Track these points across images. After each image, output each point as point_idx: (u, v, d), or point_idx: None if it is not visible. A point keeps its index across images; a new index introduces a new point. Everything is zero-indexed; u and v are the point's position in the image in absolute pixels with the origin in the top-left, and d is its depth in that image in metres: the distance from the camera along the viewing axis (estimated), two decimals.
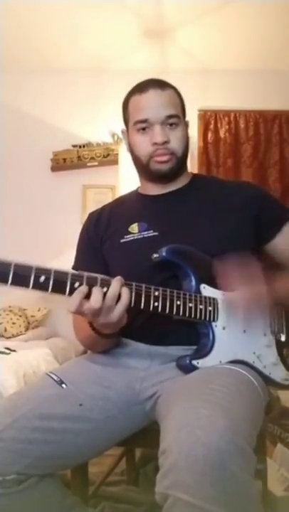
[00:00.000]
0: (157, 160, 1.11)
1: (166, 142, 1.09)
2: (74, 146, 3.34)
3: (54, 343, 2.77)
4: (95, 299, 0.84)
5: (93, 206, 3.30)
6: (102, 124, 3.27)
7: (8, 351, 2.32)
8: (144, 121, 1.10)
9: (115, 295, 0.86)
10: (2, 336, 2.88)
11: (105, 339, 1.00)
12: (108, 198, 3.29)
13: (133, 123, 1.13)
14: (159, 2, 2.66)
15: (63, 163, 3.34)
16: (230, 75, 3.34)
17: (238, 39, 3.04)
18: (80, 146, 3.33)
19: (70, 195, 3.31)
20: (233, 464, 0.67)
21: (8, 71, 3.30)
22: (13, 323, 2.93)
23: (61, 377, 1.00)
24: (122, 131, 1.22)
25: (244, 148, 3.39)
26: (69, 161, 3.33)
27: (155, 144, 1.09)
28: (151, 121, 1.09)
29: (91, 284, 0.85)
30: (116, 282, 0.87)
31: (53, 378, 1.00)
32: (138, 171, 1.20)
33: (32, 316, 3.07)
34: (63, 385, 0.98)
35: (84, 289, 0.84)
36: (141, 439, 1.07)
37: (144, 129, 1.11)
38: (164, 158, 1.11)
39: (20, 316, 3.00)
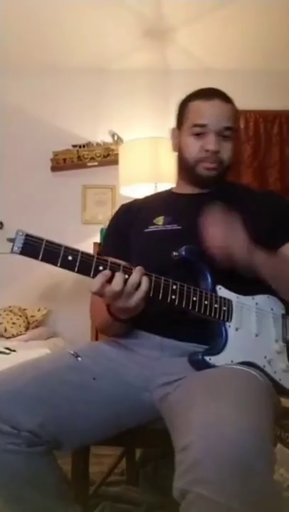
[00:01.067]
0: (205, 166, 1.17)
1: (217, 152, 1.15)
2: (74, 146, 3.33)
3: (54, 343, 2.77)
4: (117, 283, 0.89)
5: (93, 206, 3.35)
6: (102, 124, 3.27)
7: (8, 351, 2.32)
8: (203, 125, 1.15)
9: (136, 282, 0.91)
10: (2, 336, 2.88)
11: (119, 323, 1.04)
12: (108, 198, 3.29)
13: (191, 125, 1.17)
14: (159, 2, 2.66)
15: (63, 163, 3.33)
16: (230, 75, 3.32)
17: (238, 39, 3.04)
18: (80, 146, 3.33)
19: (70, 195, 3.31)
20: (257, 462, 0.68)
21: (8, 71, 3.30)
22: (13, 323, 2.93)
23: (77, 352, 1.05)
24: (172, 131, 1.27)
25: (244, 148, 3.39)
26: (69, 161, 3.33)
27: (207, 151, 1.15)
28: (209, 127, 1.15)
29: (114, 269, 0.90)
30: (137, 270, 0.91)
31: (69, 352, 1.05)
32: (180, 170, 1.26)
33: (32, 316, 3.07)
34: (79, 358, 1.03)
35: (108, 272, 0.88)
36: (140, 439, 1.07)
37: (199, 134, 1.16)
38: (213, 165, 1.17)
39: (20, 316, 3.00)
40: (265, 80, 3.35)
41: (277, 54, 3.17)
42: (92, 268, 0.88)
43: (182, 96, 1.28)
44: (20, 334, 2.89)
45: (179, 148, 1.23)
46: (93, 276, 0.88)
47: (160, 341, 1.07)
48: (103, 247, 1.28)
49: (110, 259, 0.91)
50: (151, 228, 1.18)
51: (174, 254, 1.04)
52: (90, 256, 0.89)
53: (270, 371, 1.04)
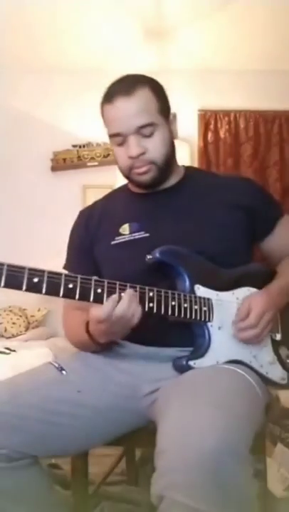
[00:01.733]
0: (136, 172, 1.06)
1: (142, 154, 1.03)
2: (74, 146, 3.34)
3: (54, 343, 2.77)
4: (106, 310, 0.86)
5: None
6: (102, 124, 3.25)
7: (8, 351, 2.33)
8: (117, 135, 1.04)
9: (130, 315, 0.87)
10: (2, 336, 2.89)
11: (96, 345, 1.00)
12: None
13: (109, 136, 1.07)
14: (159, 2, 2.66)
15: (63, 163, 3.34)
16: (231, 75, 3.34)
17: (238, 39, 3.04)
18: (80, 146, 3.34)
19: (70, 195, 3.32)
20: (228, 464, 0.67)
21: (8, 71, 3.30)
22: (13, 323, 2.94)
23: (62, 365, 1.02)
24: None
25: (244, 148, 3.40)
26: (69, 161, 3.33)
27: (130, 157, 1.04)
28: (123, 133, 1.03)
29: (111, 290, 0.86)
30: (127, 299, 0.87)
31: (53, 365, 1.02)
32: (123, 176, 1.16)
33: (32, 316, 3.08)
34: (63, 372, 1.00)
35: (116, 297, 0.86)
36: (141, 439, 1.07)
37: (119, 142, 1.05)
38: (143, 169, 1.05)
39: (20, 316, 3.00)
40: (265, 80, 3.36)
41: (277, 54, 3.17)
42: (62, 287, 0.82)
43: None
44: (20, 334, 2.90)
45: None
46: (63, 296, 0.83)
47: (144, 351, 1.04)
48: (66, 264, 1.19)
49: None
50: (119, 239, 1.09)
51: (149, 257, 0.99)
52: (58, 274, 0.83)
53: (257, 366, 1.02)
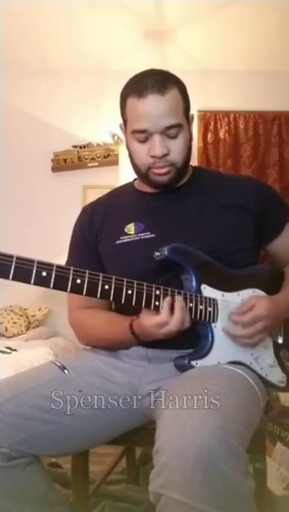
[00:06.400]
0: (156, 172, 1.06)
1: (165, 155, 1.03)
2: (74, 146, 3.35)
3: (55, 343, 2.78)
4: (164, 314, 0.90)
5: None
6: (102, 124, 3.28)
7: (9, 351, 2.34)
8: (143, 131, 1.02)
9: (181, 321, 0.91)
10: (3, 336, 2.90)
11: (134, 340, 1.02)
12: None
13: (131, 130, 1.05)
14: (159, 3, 2.66)
15: (64, 163, 3.35)
16: (230, 76, 3.35)
17: (237, 40, 3.05)
18: (80, 147, 3.34)
19: (71, 195, 3.32)
20: (223, 463, 0.67)
21: (8, 71, 3.30)
22: (14, 323, 2.94)
23: (64, 364, 1.02)
24: (120, 126, 1.13)
25: (243, 149, 3.40)
26: (69, 161, 3.34)
27: (153, 156, 1.03)
28: (150, 131, 1.01)
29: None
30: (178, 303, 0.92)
31: (56, 364, 1.03)
32: (136, 172, 1.14)
33: (33, 316, 3.08)
34: (65, 371, 1.00)
35: (170, 299, 0.91)
36: (141, 438, 1.07)
37: (142, 139, 1.04)
38: (163, 170, 1.05)
39: (21, 315, 3.01)
40: (264, 81, 3.36)
41: (276, 55, 3.17)
42: (69, 282, 0.83)
43: None
44: (21, 334, 2.90)
45: (128, 149, 1.10)
46: (71, 291, 0.83)
47: (145, 352, 1.04)
48: (68, 260, 1.18)
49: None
50: (124, 239, 1.09)
51: (156, 254, 0.98)
52: (66, 269, 0.83)
53: (257, 368, 1.03)
